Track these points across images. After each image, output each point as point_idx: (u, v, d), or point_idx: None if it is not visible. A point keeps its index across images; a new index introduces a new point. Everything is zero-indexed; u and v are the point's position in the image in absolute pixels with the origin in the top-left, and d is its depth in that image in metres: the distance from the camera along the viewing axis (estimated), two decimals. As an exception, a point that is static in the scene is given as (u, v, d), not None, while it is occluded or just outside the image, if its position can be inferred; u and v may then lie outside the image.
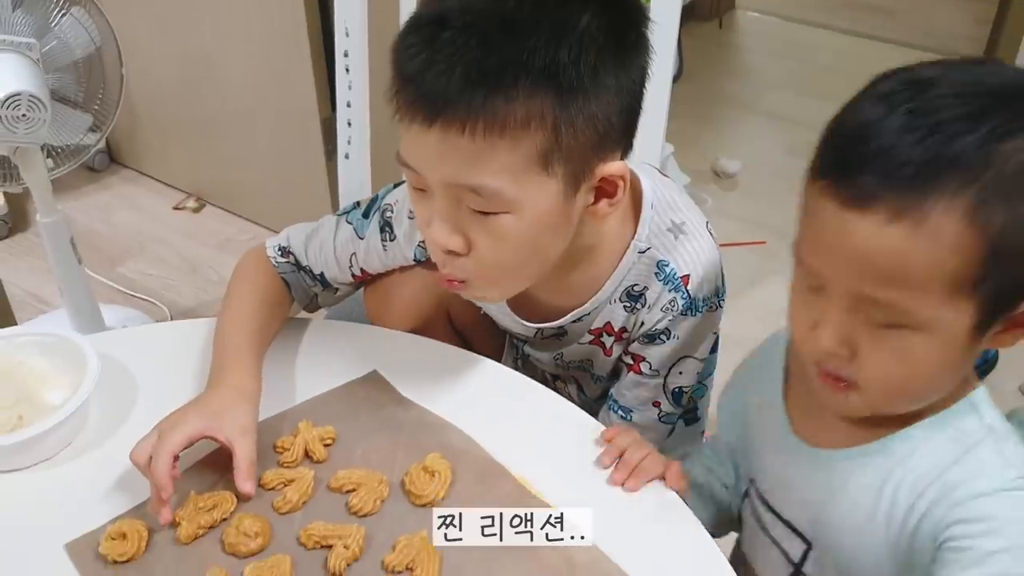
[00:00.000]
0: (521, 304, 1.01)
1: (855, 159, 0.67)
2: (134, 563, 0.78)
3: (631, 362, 1.01)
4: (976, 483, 0.71)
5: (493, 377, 0.99)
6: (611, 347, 1.02)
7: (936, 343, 0.68)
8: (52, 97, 1.57)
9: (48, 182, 1.77)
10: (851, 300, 0.69)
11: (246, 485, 0.82)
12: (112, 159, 2.63)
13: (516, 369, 1.04)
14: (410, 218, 0.99)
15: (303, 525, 0.80)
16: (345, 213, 1.04)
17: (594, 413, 0.97)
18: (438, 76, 0.76)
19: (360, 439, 0.89)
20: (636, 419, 1.03)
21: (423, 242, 0.99)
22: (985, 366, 1.96)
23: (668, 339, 0.97)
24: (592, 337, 1.02)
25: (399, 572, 0.77)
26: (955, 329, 0.67)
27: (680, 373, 1.01)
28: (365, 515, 0.81)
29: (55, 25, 1.57)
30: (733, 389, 0.93)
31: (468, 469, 0.86)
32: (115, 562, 0.78)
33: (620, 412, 1.04)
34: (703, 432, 1.10)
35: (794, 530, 0.83)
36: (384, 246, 1.01)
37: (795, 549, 0.84)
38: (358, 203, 1.04)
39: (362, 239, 1.02)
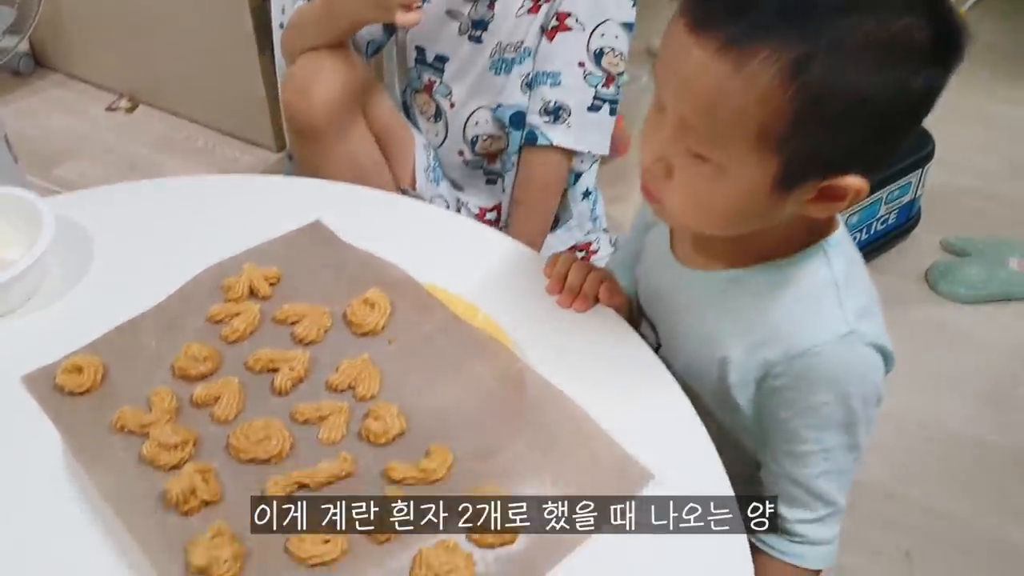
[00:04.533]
0: None
1: None
2: (90, 394, 0.82)
3: (557, 23, 1.16)
4: (808, 337, 0.77)
5: (431, 219, 1.05)
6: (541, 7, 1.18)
7: (735, 186, 0.71)
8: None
9: (-25, 79, 1.75)
10: (677, 122, 0.71)
11: None
12: (38, 62, 2.57)
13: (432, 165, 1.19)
14: None
15: (250, 352, 0.85)
16: None
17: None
18: None
19: (303, 278, 0.93)
20: (565, 80, 1.15)
21: None
22: (908, 223, 2.07)
23: None
24: (531, 3, 1.17)
25: (342, 391, 0.82)
26: (755, 178, 0.70)
27: (602, 35, 1.13)
28: (309, 343, 0.86)
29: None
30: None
31: (406, 301, 0.91)
32: (72, 393, 0.82)
33: (549, 80, 1.17)
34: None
35: (653, 328, 0.92)
36: None
37: (652, 343, 0.91)
38: None
39: None
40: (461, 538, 0.71)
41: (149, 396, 0.81)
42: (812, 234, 0.79)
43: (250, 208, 1.04)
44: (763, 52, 0.65)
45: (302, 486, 0.74)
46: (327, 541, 0.69)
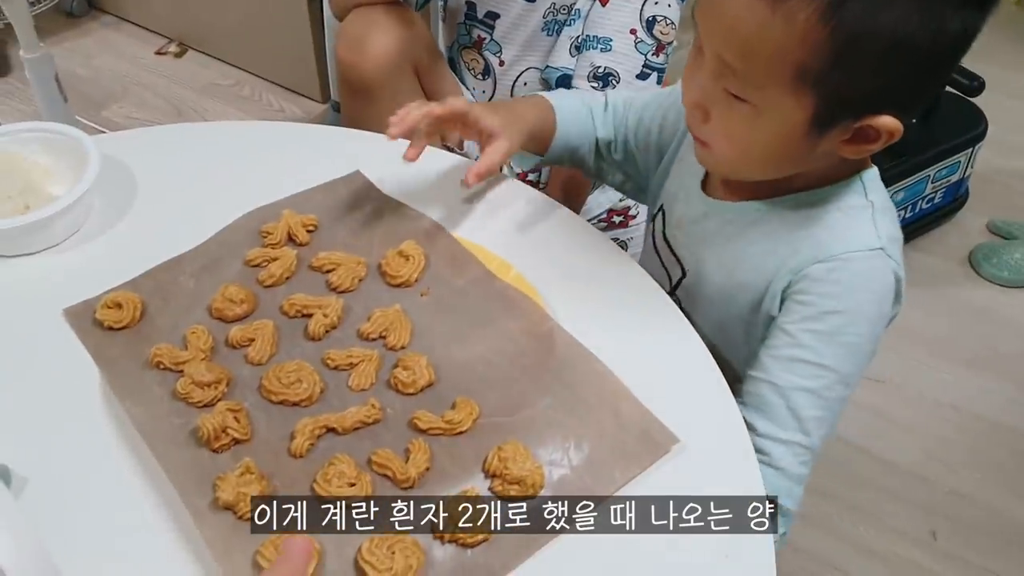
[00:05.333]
0: None
1: None
2: (128, 330, 0.84)
3: None
4: (839, 244, 0.78)
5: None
6: None
7: (771, 126, 0.73)
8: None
9: (30, 17, 1.77)
10: (715, 64, 0.73)
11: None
12: (91, 4, 2.59)
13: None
14: None
15: (286, 296, 0.86)
16: None
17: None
18: None
19: (340, 227, 0.94)
20: (616, 47, 1.15)
21: None
22: (954, 203, 2.03)
23: None
24: None
25: (373, 339, 0.83)
26: (792, 118, 0.72)
27: (655, 3, 1.12)
28: (343, 291, 0.87)
29: None
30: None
31: (440, 255, 0.91)
32: (111, 328, 0.84)
33: (600, 45, 1.15)
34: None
35: (678, 259, 0.92)
36: None
37: (674, 275, 0.93)
38: None
39: None
40: (483, 487, 0.72)
41: (185, 334, 0.82)
42: (846, 171, 0.80)
43: (292, 156, 1.05)
44: None
45: (330, 430, 0.75)
46: (353, 484, 0.70)
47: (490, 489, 0.72)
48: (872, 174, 0.81)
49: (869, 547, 1.45)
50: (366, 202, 0.97)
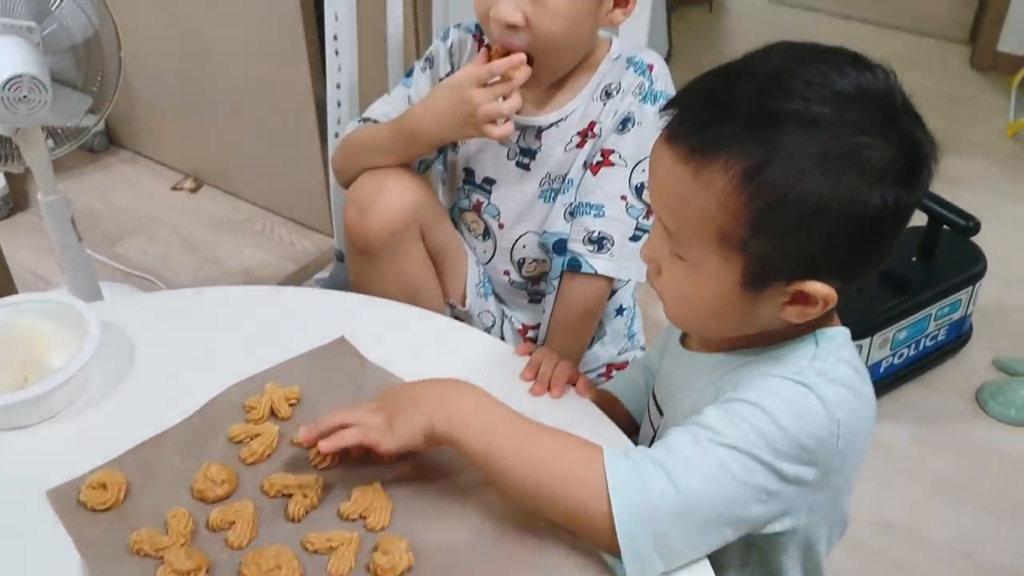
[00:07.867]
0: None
1: (689, 101, 0.76)
2: (111, 512, 0.84)
3: (601, 159, 1.19)
4: (765, 369, 0.78)
5: (459, 340, 1.06)
6: (587, 143, 1.21)
7: (707, 283, 0.76)
8: (52, 79, 1.62)
9: (49, 162, 1.83)
10: (659, 223, 0.78)
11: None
12: (111, 141, 2.69)
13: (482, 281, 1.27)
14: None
15: (267, 475, 0.86)
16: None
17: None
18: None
19: (323, 399, 0.95)
20: (608, 212, 1.19)
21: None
22: (958, 340, 2.02)
23: (633, 126, 1.17)
24: (579, 139, 1.21)
25: (354, 520, 0.83)
26: (724, 277, 0.75)
27: (643, 171, 1.15)
28: (324, 468, 0.88)
29: (55, 8, 1.62)
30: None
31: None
32: (94, 510, 0.84)
33: (593, 211, 1.19)
34: None
35: (659, 409, 0.94)
36: (428, 75, 1.27)
37: (656, 423, 0.94)
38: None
39: (410, 79, 1.29)
40: None
41: (167, 518, 0.82)
42: (806, 329, 0.80)
43: (284, 320, 1.07)
44: (720, 159, 0.71)
45: (306, 621, 0.75)
46: None
47: None
48: (832, 333, 0.79)
49: None
50: (350, 371, 0.98)
